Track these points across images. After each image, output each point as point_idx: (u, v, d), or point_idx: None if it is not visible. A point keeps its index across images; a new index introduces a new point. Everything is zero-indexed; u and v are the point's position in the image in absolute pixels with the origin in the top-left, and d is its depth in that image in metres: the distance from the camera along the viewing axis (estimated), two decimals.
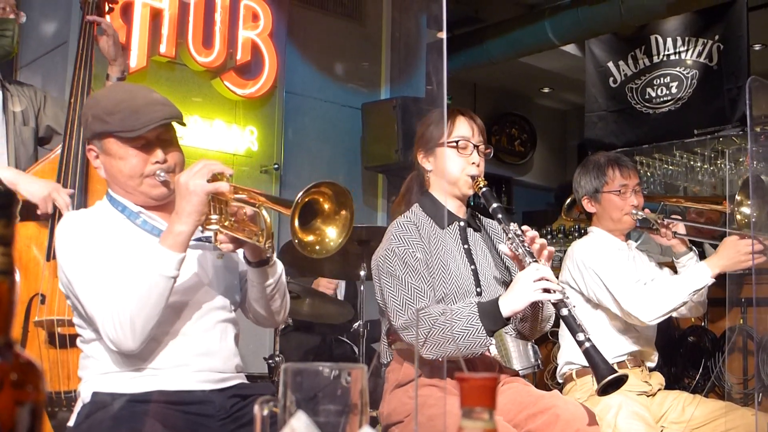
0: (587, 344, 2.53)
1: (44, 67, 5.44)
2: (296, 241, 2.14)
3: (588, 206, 3.69)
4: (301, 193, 2.10)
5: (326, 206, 2.19)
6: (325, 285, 4.84)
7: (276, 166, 6.17)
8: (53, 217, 3.19)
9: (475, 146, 2.87)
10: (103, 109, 2.41)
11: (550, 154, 10.88)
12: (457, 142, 2.85)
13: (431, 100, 6.40)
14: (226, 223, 2.28)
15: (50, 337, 3.10)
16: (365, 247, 3.93)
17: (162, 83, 5.68)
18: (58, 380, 3.06)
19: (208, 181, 2.24)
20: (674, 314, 3.65)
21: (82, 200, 3.27)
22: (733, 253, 3.36)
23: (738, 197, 3.49)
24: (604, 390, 2.52)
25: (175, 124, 2.48)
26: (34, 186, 3.16)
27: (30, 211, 3.17)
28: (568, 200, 4.11)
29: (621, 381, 2.53)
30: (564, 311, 2.56)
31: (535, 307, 2.74)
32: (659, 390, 3.57)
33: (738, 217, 3.51)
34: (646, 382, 3.52)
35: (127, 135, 2.36)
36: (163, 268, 2.22)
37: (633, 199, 3.58)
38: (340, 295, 5.02)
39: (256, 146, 6.21)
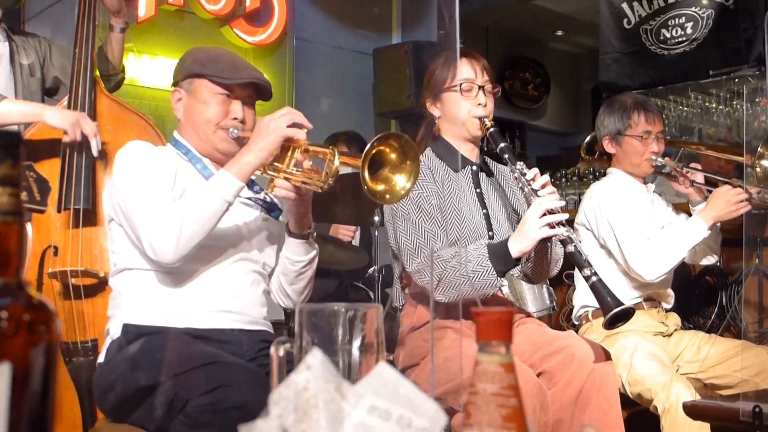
0: (594, 278, 2.54)
1: (53, 18, 5.38)
2: (366, 189, 2.21)
3: (608, 147, 3.66)
4: (368, 146, 2.18)
5: (393, 156, 2.25)
6: (343, 232, 4.84)
7: None
8: (63, 164, 3.19)
9: (480, 87, 2.85)
10: (206, 55, 2.58)
11: (563, 98, 10.78)
12: (460, 85, 2.84)
13: (444, 45, 6.35)
14: (288, 170, 2.38)
15: (64, 289, 3.11)
16: None
17: (171, 32, 5.65)
18: (74, 331, 3.08)
19: (288, 126, 2.33)
20: (687, 261, 3.64)
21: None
22: (723, 203, 3.37)
23: (760, 149, 3.46)
24: (612, 323, 2.54)
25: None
26: (60, 115, 3.18)
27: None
28: (588, 138, 4.08)
29: (628, 314, 2.53)
30: (570, 247, 2.56)
31: (543, 246, 2.74)
32: (675, 330, 3.58)
33: (757, 169, 3.48)
34: (662, 322, 3.53)
35: (221, 81, 2.50)
36: (222, 190, 2.30)
37: (654, 146, 3.56)
38: (356, 241, 5.02)
39: None
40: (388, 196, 2.28)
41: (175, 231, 2.26)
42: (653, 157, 3.55)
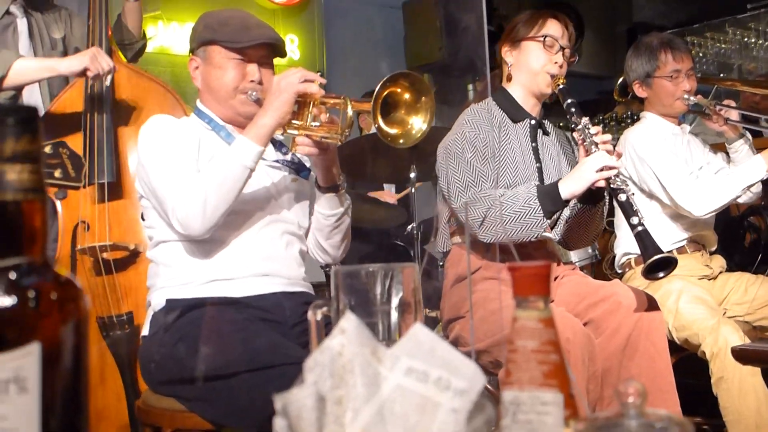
0: (639, 228, 2.56)
1: None
2: (381, 133, 2.21)
3: (639, 91, 3.61)
4: (378, 88, 2.17)
5: (406, 96, 2.25)
6: (387, 197, 4.83)
7: (319, 72, 6.09)
8: (85, 139, 3.18)
9: (562, 48, 2.90)
10: (217, 20, 2.55)
11: (598, 42, 10.59)
12: (545, 37, 2.88)
13: None
14: (307, 126, 2.37)
15: (96, 264, 3.12)
16: (414, 149, 3.88)
17: None
18: (108, 305, 3.09)
19: (299, 83, 2.32)
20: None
21: (111, 121, 3.25)
22: None
23: None
24: (650, 270, 2.53)
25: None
26: (75, 59, 3.16)
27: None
28: (620, 81, 4.01)
29: (670, 263, 2.53)
30: (622, 196, 2.58)
31: (587, 211, 2.77)
32: (720, 273, 3.52)
33: None
34: (707, 265, 3.48)
35: (233, 45, 2.49)
36: (242, 156, 2.30)
37: (685, 84, 3.49)
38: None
39: (298, 54, 6.16)
40: (402, 140, 2.26)
41: (200, 203, 2.27)
42: (686, 96, 3.48)
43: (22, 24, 3.46)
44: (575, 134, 2.72)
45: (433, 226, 3.79)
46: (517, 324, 0.97)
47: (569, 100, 2.79)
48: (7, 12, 3.43)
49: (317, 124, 2.36)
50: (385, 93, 2.20)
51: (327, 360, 0.95)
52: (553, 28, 2.90)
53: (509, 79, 2.97)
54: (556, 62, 2.87)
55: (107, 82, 3.21)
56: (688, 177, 3.32)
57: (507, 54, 2.97)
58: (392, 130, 2.24)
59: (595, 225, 2.84)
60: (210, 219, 2.29)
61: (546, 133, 3.00)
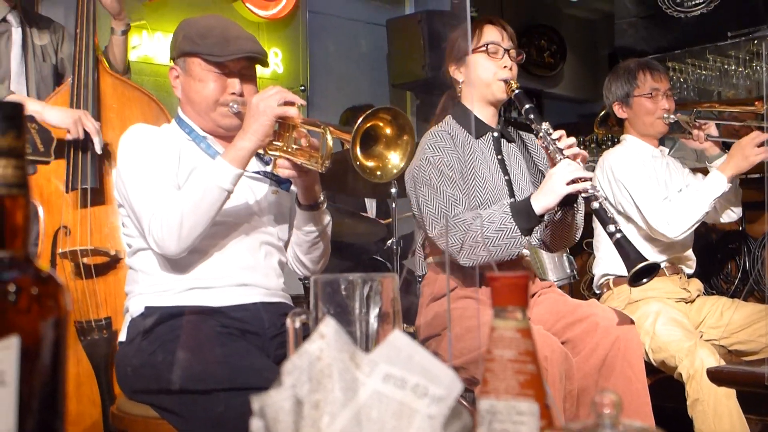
0: (618, 235, 2.55)
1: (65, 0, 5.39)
2: (357, 165, 2.18)
3: (619, 112, 3.63)
4: (360, 120, 2.14)
5: (387, 131, 2.22)
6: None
7: (302, 87, 6.13)
8: (69, 148, 3.18)
9: (506, 50, 2.86)
10: (196, 31, 2.51)
11: (580, 65, 10.67)
12: (486, 45, 2.84)
13: (457, 13, 6.30)
14: (288, 149, 2.36)
15: (76, 268, 3.11)
16: None
17: (183, 8, 5.62)
18: (87, 309, 3.09)
19: (279, 105, 2.30)
20: (708, 221, 3.60)
21: None
22: (741, 153, 3.32)
23: None
24: (636, 278, 2.52)
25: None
26: (61, 113, 3.16)
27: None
28: (601, 113, 4.05)
29: (653, 269, 2.53)
30: (595, 204, 2.56)
31: (565, 213, 2.74)
32: (698, 296, 3.54)
33: None
34: (685, 288, 3.50)
35: (213, 59, 2.46)
36: (220, 179, 2.29)
37: (664, 103, 3.53)
38: (372, 213, 5.00)
39: (282, 68, 6.16)
40: (379, 173, 2.23)
41: (175, 225, 2.26)
42: (665, 115, 3.52)
43: (16, 33, 3.47)
44: (538, 141, 2.70)
45: (412, 241, 3.79)
46: (495, 334, 0.98)
47: (527, 105, 2.76)
48: (3, 20, 3.43)
49: (298, 147, 2.35)
50: (367, 125, 2.18)
51: (305, 364, 0.96)
52: (491, 34, 2.88)
53: (461, 97, 2.96)
54: (505, 66, 2.84)
55: (97, 149, 3.20)
56: (662, 201, 3.34)
57: (455, 72, 2.95)
58: (369, 163, 2.21)
59: (573, 226, 2.81)
60: (185, 240, 2.28)
61: (510, 141, 2.98)
